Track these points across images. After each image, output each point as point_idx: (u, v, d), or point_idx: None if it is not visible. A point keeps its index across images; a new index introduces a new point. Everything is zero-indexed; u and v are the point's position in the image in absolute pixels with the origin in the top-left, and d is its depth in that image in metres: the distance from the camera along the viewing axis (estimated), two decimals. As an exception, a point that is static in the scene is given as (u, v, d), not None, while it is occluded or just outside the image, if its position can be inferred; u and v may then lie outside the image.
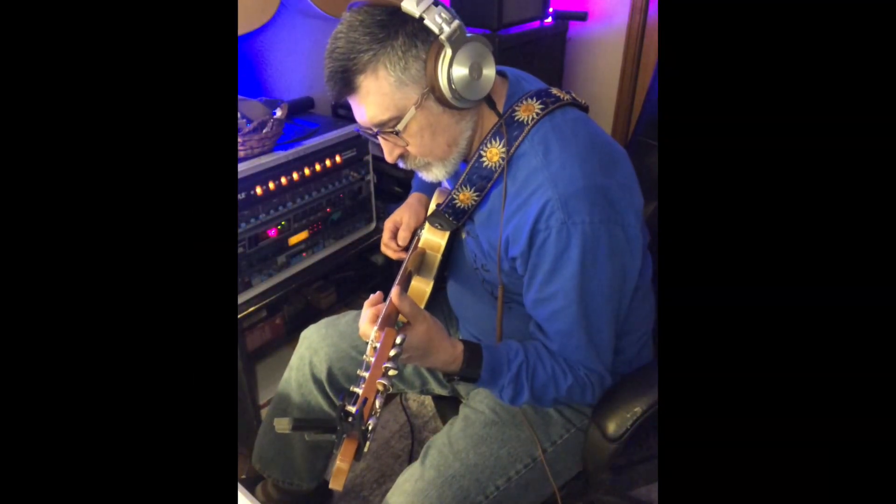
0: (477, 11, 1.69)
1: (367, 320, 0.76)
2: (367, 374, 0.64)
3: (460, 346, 0.81)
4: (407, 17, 0.72)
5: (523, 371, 0.83)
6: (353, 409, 0.59)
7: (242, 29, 1.32)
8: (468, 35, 0.73)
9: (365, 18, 0.73)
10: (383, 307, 0.75)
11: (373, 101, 0.76)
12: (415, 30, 0.73)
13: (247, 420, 1.46)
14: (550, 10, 1.96)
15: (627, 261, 0.82)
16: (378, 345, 0.66)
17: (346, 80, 0.75)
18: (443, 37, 0.71)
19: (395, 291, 0.74)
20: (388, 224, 1.07)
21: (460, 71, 0.73)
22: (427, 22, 0.71)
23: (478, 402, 0.99)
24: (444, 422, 1.04)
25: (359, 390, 0.62)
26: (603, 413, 0.90)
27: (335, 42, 0.75)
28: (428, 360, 0.79)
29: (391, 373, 0.64)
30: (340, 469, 0.57)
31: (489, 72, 0.76)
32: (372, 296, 0.79)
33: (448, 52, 0.72)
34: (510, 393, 0.84)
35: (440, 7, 0.72)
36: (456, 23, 0.72)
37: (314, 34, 1.69)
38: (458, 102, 0.75)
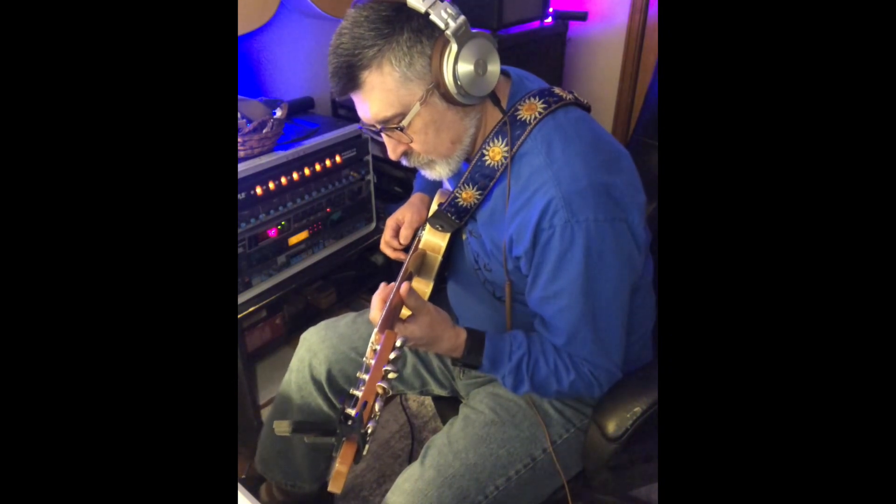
0: (477, 11, 1.69)
1: (376, 307, 0.79)
2: (366, 377, 0.64)
3: (463, 335, 0.85)
4: (412, 13, 0.72)
5: (524, 363, 0.85)
6: (352, 412, 0.59)
7: (242, 29, 1.32)
8: (475, 31, 0.73)
9: (370, 14, 0.73)
10: (391, 291, 0.78)
11: (377, 97, 0.76)
12: (420, 25, 0.73)
13: (247, 420, 1.46)
14: (550, 10, 1.96)
15: (634, 256, 0.82)
16: (378, 347, 0.67)
17: (350, 76, 0.75)
18: (449, 32, 0.71)
19: (405, 287, 0.78)
20: (390, 222, 1.07)
21: (466, 67, 0.73)
22: (433, 17, 0.71)
23: (477, 402, 0.99)
24: (444, 422, 1.04)
25: (358, 393, 0.62)
26: (603, 413, 0.90)
27: (339, 38, 0.75)
28: (432, 348, 0.84)
29: (391, 375, 0.65)
30: (339, 472, 0.58)
31: (494, 68, 0.76)
32: (383, 285, 0.82)
33: (454, 47, 0.72)
34: (511, 382, 0.86)
35: (445, 3, 0.72)
36: (462, 18, 0.72)
37: (314, 34, 1.69)
38: (463, 99, 0.75)
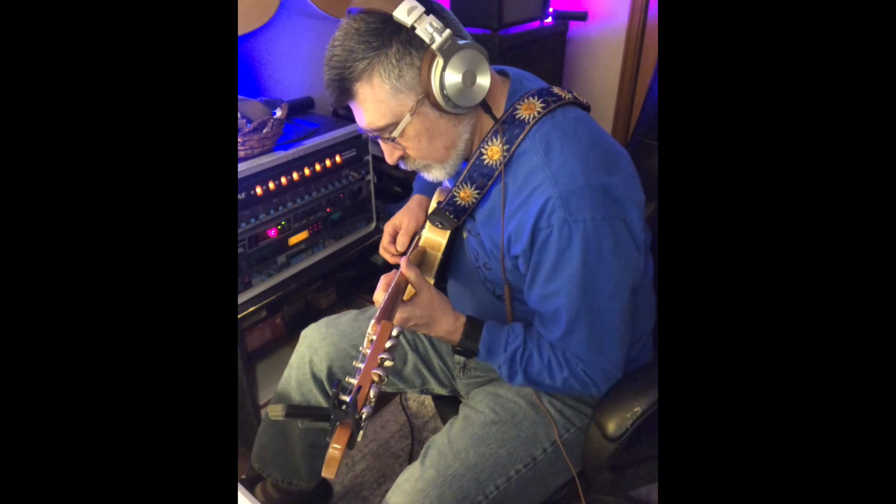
0: (477, 11, 1.69)
1: (380, 288, 0.83)
2: (362, 366, 0.65)
3: (462, 319, 0.87)
4: (401, 26, 0.73)
5: (518, 355, 0.86)
6: (346, 397, 0.59)
7: (242, 29, 1.32)
8: (462, 43, 0.73)
9: (360, 26, 0.74)
10: (395, 275, 0.81)
11: (370, 107, 0.77)
12: (409, 37, 0.73)
13: (247, 420, 1.46)
14: (550, 10, 1.96)
15: (633, 256, 0.82)
16: (375, 337, 0.68)
17: (342, 89, 0.77)
18: (434, 46, 0.72)
19: (404, 261, 0.81)
20: (388, 228, 1.07)
21: (453, 78, 0.73)
22: (418, 32, 0.72)
23: (478, 401, 0.99)
24: (444, 422, 1.04)
25: (354, 381, 0.63)
26: (603, 413, 0.90)
27: (332, 49, 0.76)
28: (432, 328, 0.86)
29: (387, 363, 0.66)
30: (333, 456, 0.57)
31: (483, 78, 0.76)
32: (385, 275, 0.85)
33: (440, 60, 0.72)
34: (506, 372, 0.88)
35: (431, 16, 0.72)
36: (447, 32, 0.72)
37: (314, 34, 1.69)
38: (452, 109, 0.76)
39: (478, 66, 0.75)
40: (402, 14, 0.71)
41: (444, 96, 0.74)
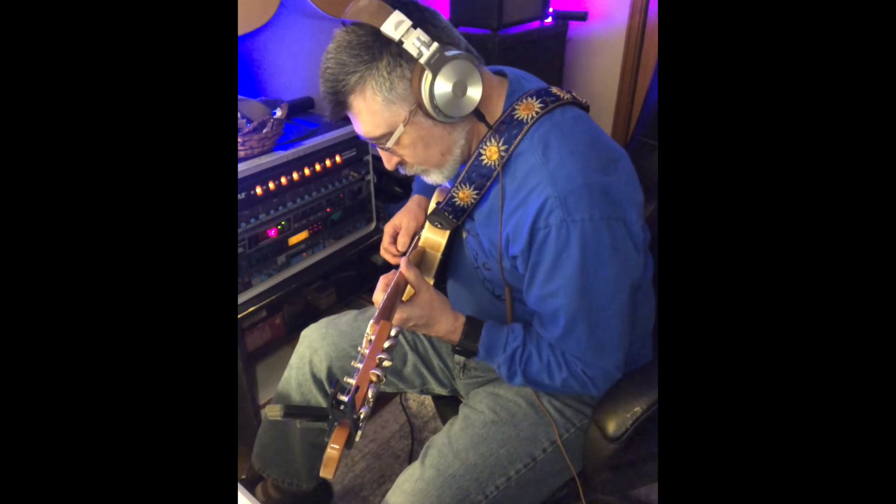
0: (477, 11, 1.69)
1: (379, 289, 0.84)
2: (360, 366, 0.65)
3: (462, 319, 0.88)
4: (390, 39, 0.73)
5: (517, 355, 0.87)
6: (344, 397, 0.60)
7: (242, 29, 1.32)
8: (450, 54, 0.73)
9: (352, 39, 0.74)
10: (395, 275, 0.82)
11: (364, 118, 0.78)
12: (399, 50, 0.73)
13: (247, 420, 1.46)
14: (550, 10, 1.96)
15: (632, 256, 0.82)
16: (373, 337, 0.68)
17: (337, 101, 0.78)
18: (421, 61, 0.72)
19: (403, 261, 0.82)
20: (388, 228, 1.08)
21: (443, 89, 0.74)
22: (406, 46, 0.72)
23: (478, 401, 0.99)
24: (444, 422, 1.04)
25: (352, 381, 0.63)
26: (603, 413, 0.90)
27: (326, 62, 0.77)
28: (431, 329, 0.86)
29: (385, 363, 0.66)
30: (331, 456, 0.57)
31: (474, 88, 0.77)
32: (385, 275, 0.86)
33: (429, 74, 0.73)
34: (505, 372, 0.88)
35: (419, 30, 0.72)
36: (434, 46, 0.72)
37: (314, 34, 1.69)
38: (445, 119, 0.77)
39: (468, 76, 0.75)
40: (389, 29, 0.71)
41: (435, 107, 0.75)
